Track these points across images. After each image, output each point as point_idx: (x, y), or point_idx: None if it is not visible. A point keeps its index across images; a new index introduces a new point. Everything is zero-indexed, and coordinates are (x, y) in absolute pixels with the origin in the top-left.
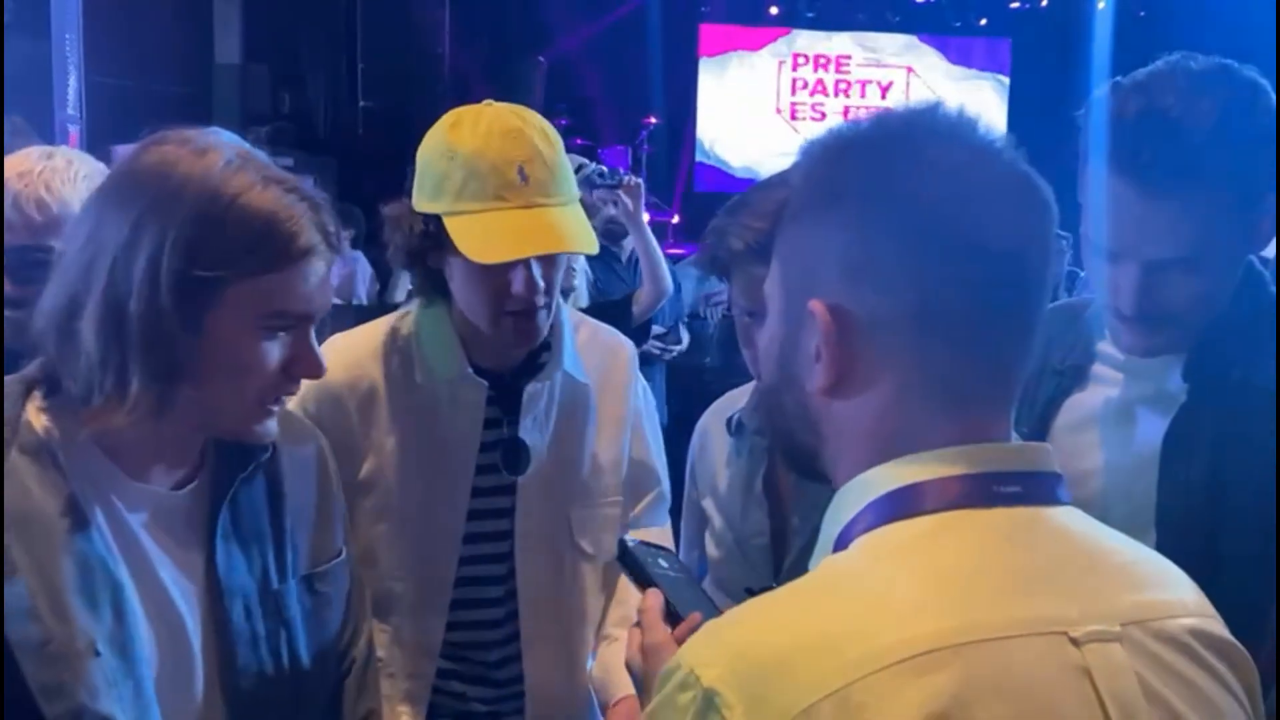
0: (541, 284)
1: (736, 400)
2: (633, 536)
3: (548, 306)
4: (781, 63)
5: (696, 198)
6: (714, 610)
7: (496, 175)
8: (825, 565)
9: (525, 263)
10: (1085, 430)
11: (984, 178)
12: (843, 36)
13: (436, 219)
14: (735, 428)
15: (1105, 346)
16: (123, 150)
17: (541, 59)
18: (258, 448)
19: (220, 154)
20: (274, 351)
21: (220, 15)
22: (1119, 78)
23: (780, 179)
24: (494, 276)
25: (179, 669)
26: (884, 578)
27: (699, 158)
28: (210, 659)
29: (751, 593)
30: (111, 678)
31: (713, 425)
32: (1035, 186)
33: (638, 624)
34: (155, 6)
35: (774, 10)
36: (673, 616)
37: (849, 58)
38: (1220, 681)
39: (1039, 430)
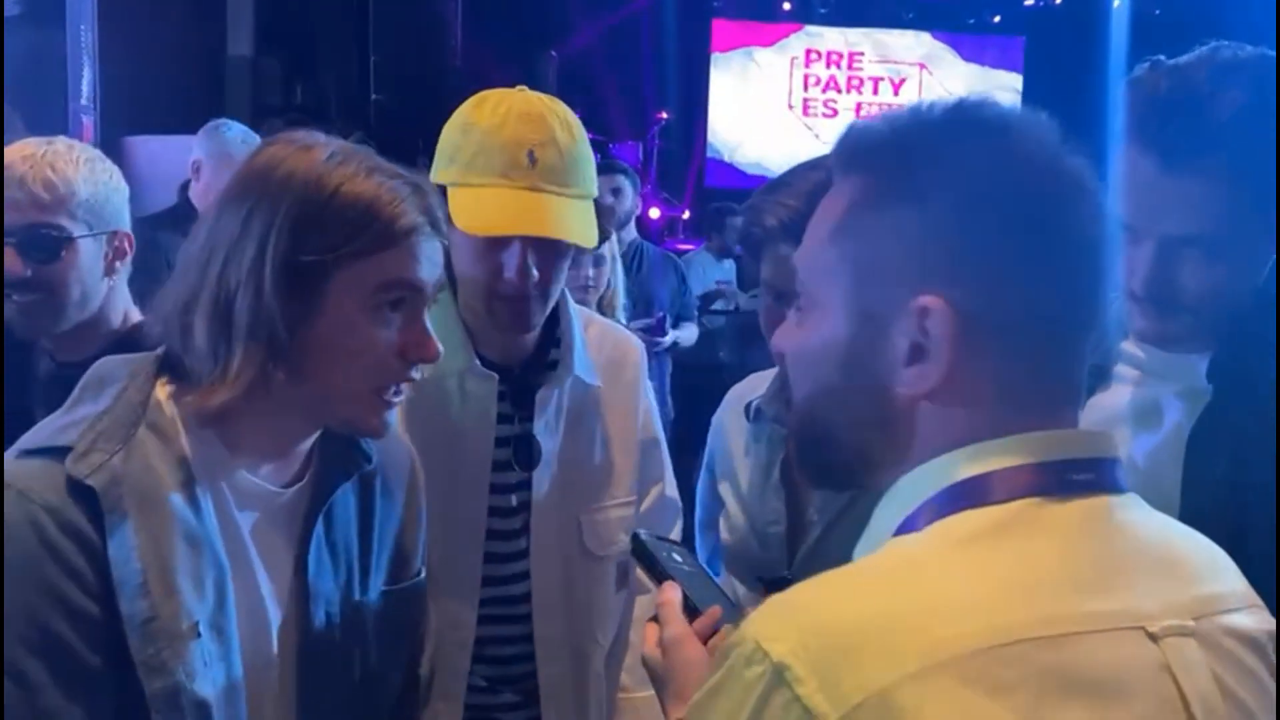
0: (535, 273)
1: (756, 386)
2: (645, 530)
3: (543, 297)
4: (794, 59)
5: (707, 193)
6: (731, 605)
7: (505, 154)
8: (894, 547)
9: (520, 248)
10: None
11: (1070, 168)
12: (855, 33)
13: (444, 192)
14: (754, 414)
15: (1128, 346)
16: (134, 141)
17: (553, 53)
18: (361, 455)
19: (325, 149)
20: (386, 334)
21: (233, 7)
22: (1159, 57)
23: (821, 162)
24: (488, 256)
25: (257, 661)
26: (962, 564)
27: (710, 153)
28: (286, 659)
29: (763, 582)
30: (208, 660)
31: (732, 410)
32: (1093, 178)
33: (653, 618)
34: None
35: (787, 6)
36: (690, 610)
37: (862, 54)
38: (1272, 674)
39: None
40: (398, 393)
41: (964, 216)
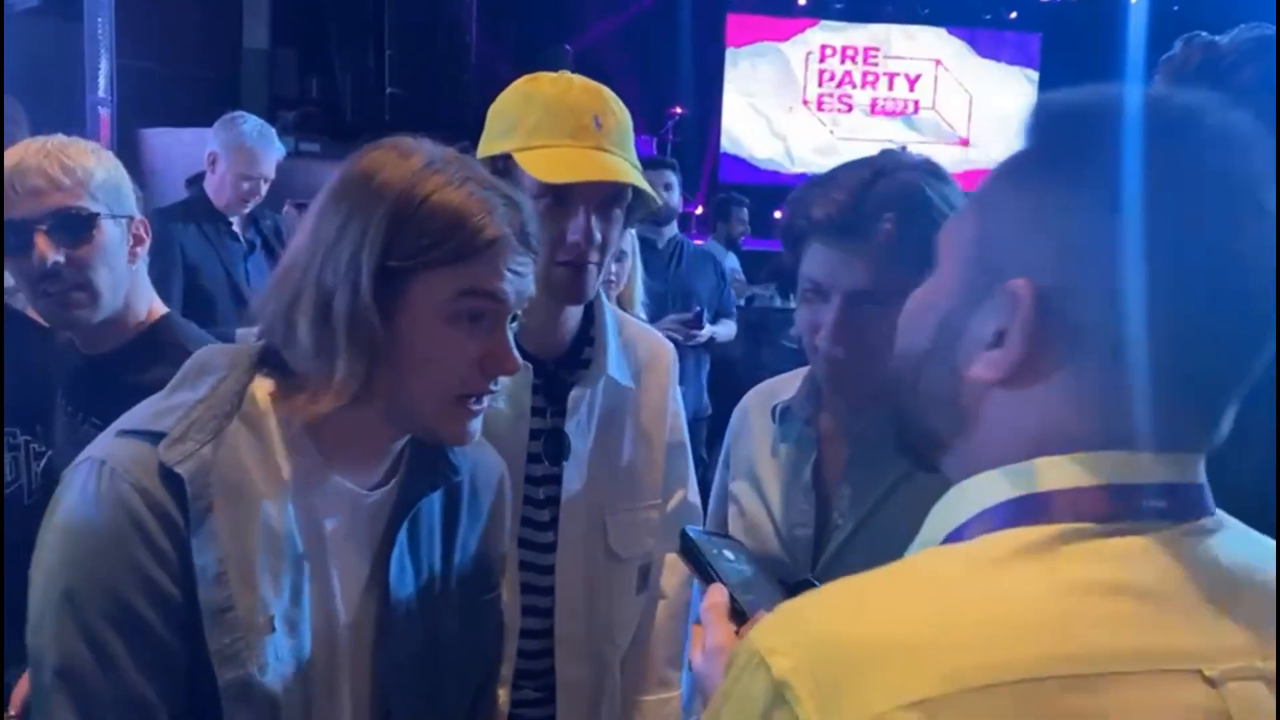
0: (598, 237)
1: (780, 388)
2: (694, 527)
3: (599, 265)
4: (809, 54)
5: (721, 189)
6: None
7: (573, 118)
8: (931, 555)
9: (584, 212)
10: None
11: (1248, 182)
12: (871, 28)
13: (503, 160)
14: (781, 416)
15: None
16: (150, 133)
17: (568, 47)
18: (449, 466)
19: (423, 157)
20: (465, 343)
21: (249, 1)
22: (1199, 33)
23: (870, 161)
24: (552, 220)
25: (328, 661)
26: (997, 585)
27: (724, 149)
28: (361, 663)
29: (786, 585)
30: (281, 655)
31: (754, 411)
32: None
33: (699, 621)
34: None
35: (802, 1)
36: (738, 614)
37: (877, 49)
38: None
39: None
40: (479, 401)
41: (1074, 203)
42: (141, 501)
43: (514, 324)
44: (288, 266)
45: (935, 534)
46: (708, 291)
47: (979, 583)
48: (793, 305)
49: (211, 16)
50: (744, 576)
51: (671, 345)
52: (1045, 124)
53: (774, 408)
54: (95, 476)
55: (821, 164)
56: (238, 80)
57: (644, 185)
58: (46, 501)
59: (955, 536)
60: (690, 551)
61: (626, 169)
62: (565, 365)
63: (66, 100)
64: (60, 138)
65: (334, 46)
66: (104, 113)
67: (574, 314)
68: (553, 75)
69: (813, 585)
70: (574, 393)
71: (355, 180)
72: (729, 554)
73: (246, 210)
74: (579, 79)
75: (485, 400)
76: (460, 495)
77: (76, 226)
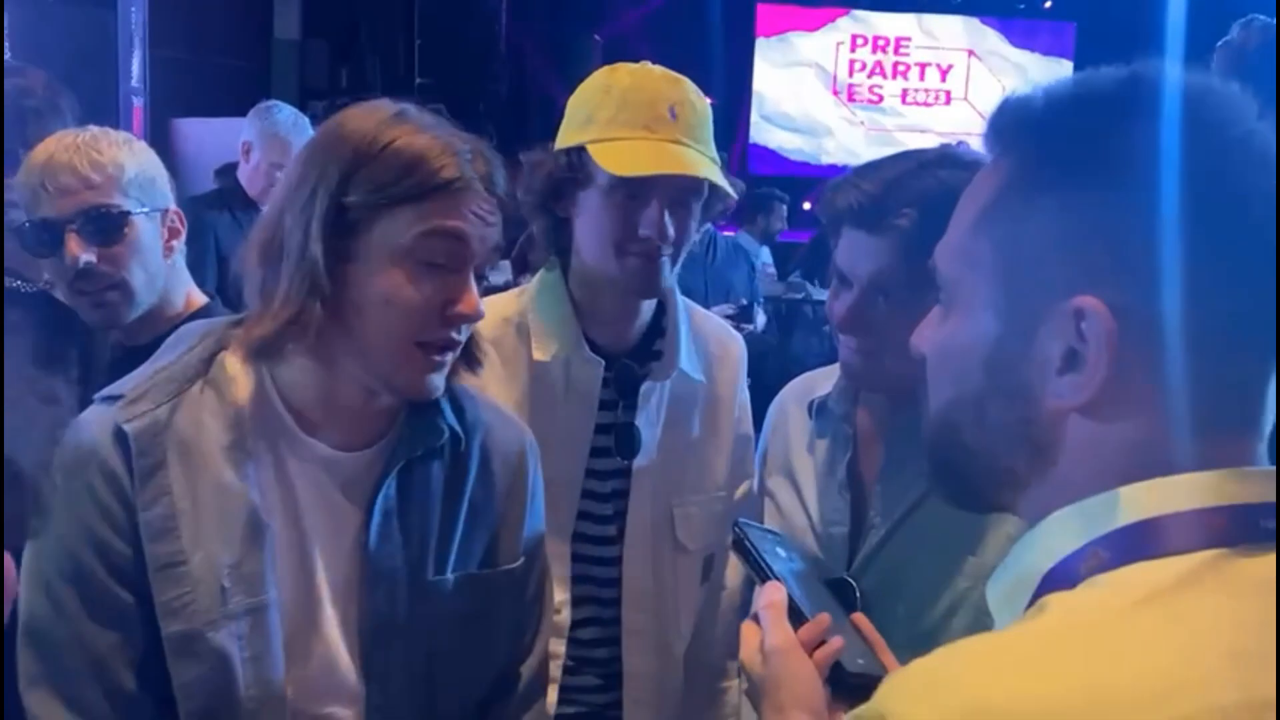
0: (671, 230)
1: (817, 382)
2: (746, 520)
3: (672, 258)
4: (839, 44)
5: (750, 180)
6: (841, 612)
7: (648, 109)
8: (1058, 609)
9: (657, 203)
10: None
11: (1268, 150)
12: (902, 18)
13: (579, 152)
14: (817, 411)
15: None
16: (182, 123)
17: (598, 37)
18: (437, 429)
19: (391, 109)
20: (426, 289)
21: None
22: (1254, 15)
23: (917, 154)
24: (625, 212)
25: (303, 624)
26: (1151, 631)
27: (753, 139)
28: (350, 629)
29: (822, 583)
30: (232, 612)
31: (791, 406)
32: None
33: (754, 618)
34: None
35: None
36: (795, 614)
37: (908, 39)
38: None
39: None
40: (440, 353)
41: (1133, 206)
42: (91, 460)
43: (482, 282)
44: (260, 218)
45: (1032, 569)
46: (742, 284)
47: (1137, 629)
48: (824, 297)
49: (242, 7)
50: (799, 575)
51: (740, 337)
52: (1039, 126)
53: (810, 403)
54: (62, 442)
55: (851, 155)
56: (268, 71)
57: (719, 180)
58: None
59: (1061, 575)
60: (743, 546)
61: (701, 162)
62: (636, 358)
63: (100, 90)
64: (92, 130)
65: (364, 37)
66: (137, 102)
67: (646, 307)
68: (633, 66)
69: (849, 584)
70: (645, 386)
71: (325, 129)
72: (781, 551)
73: None
74: (659, 69)
75: (448, 354)
76: (468, 463)
77: (107, 225)
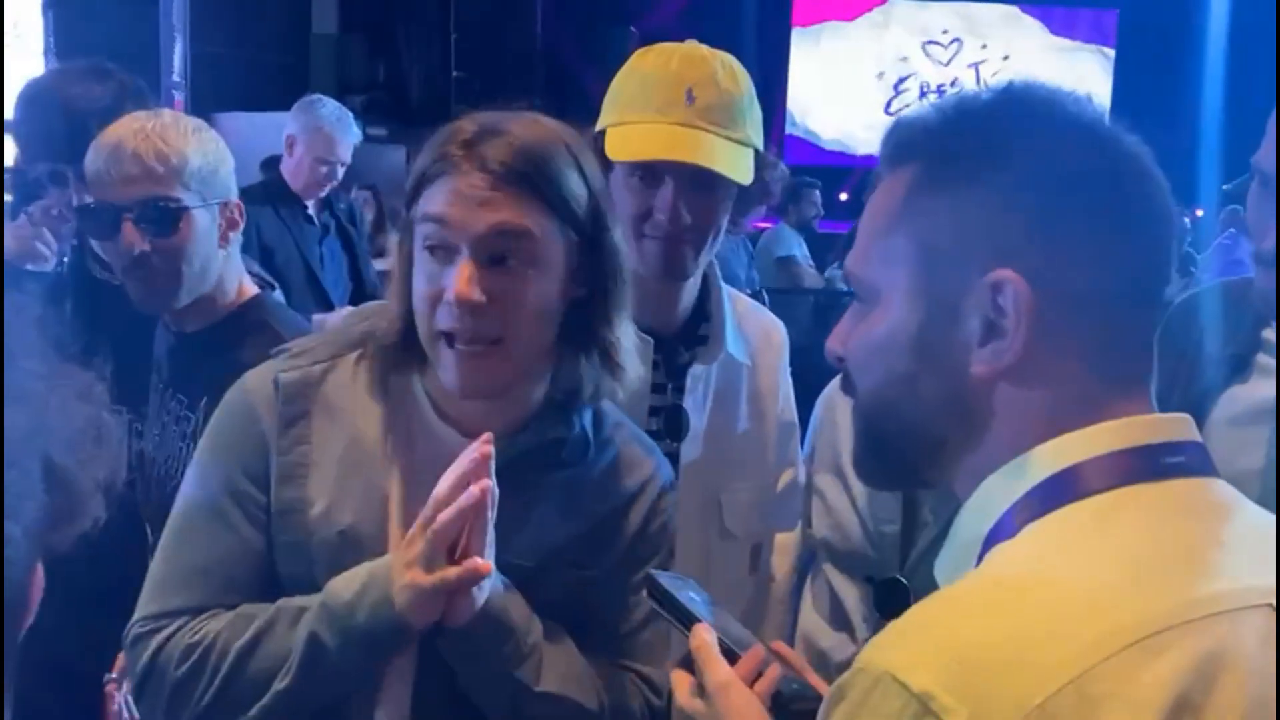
0: (687, 216)
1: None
2: (658, 570)
3: (696, 242)
4: (877, 33)
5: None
6: (764, 645)
7: (663, 92)
8: (1002, 557)
9: (672, 186)
10: (1247, 426)
11: (1126, 144)
12: (941, 6)
13: (601, 137)
14: None
15: (1270, 334)
16: (222, 118)
17: (633, 29)
18: (550, 427)
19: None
20: (424, 277)
21: None
22: None
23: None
24: (640, 195)
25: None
26: (1083, 562)
27: (789, 130)
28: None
29: (872, 582)
30: (342, 564)
31: (839, 401)
32: (1154, 164)
33: (681, 664)
34: None
35: None
36: (727, 653)
37: (947, 28)
38: None
39: None
40: (463, 343)
41: (1028, 191)
42: (245, 402)
43: (505, 264)
44: None
45: (973, 534)
46: (744, 273)
47: (1069, 563)
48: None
49: (281, 1)
50: (717, 613)
51: (782, 324)
52: (935, 135)
53: None
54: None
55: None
56: (306, 65)
57: (721, 166)
58: (141, 481)
59: (999, 533)
60: (659, 594)
61: (710, 147)
62: (682, 341)
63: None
64: (164, 116)
65: (401, 31)
66: (178, 96)
67: (688, 290)
68: (664, 45)
69: (901, 584)
70: (693, 369)
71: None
72: (693, 595)
73: (322, 194)
74: (687, 48)
75: (474, 345)
76: (584, 473)
77: (165, 218)
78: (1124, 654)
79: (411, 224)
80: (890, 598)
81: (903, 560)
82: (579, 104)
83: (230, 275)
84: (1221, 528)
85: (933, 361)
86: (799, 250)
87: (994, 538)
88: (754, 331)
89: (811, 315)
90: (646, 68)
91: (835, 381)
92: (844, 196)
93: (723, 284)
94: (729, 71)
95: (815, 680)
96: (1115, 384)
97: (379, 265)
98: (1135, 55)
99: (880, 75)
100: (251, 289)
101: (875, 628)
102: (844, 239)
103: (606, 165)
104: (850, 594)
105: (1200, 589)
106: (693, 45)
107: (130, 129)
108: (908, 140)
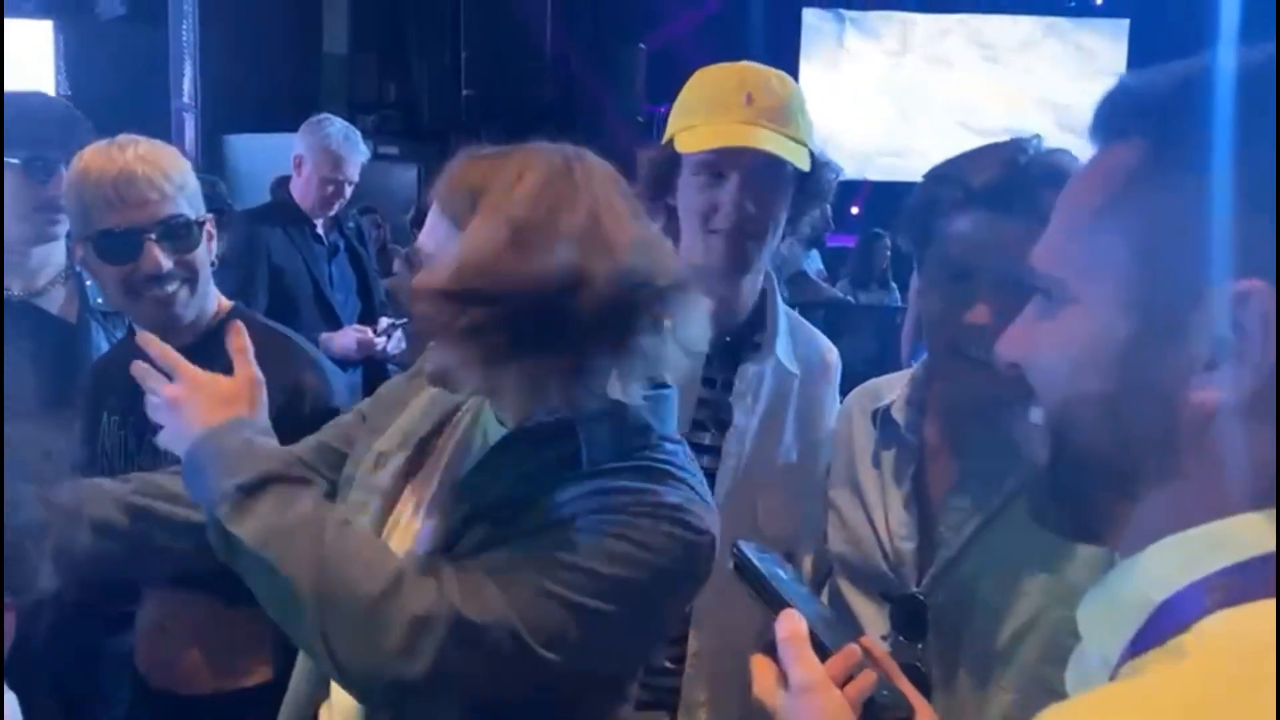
0: (749, 208)
1: (881, 391)
2: (747, 541)
3: (758, 235)
4: (887, 47)
5: None
6: (851, 637)
7: (724, 95)
8: (1202, 650)
9: (735, 183)
10: None
11: None
12: (950, 18)
13: (669, 145)
14: (882, 421)
15: None
16: (232, 138)
17: (642, 46)
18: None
19: None
20: None
21: (328, 6)
22: None
23: (1008, 143)
24: (706, 193)
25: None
26: None
27: None
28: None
29: (890, 600)
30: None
31: (856, 415)
32: None
33: (766, 652)
34: None
35: None
36: (819, 648)
37: (957, 40)
38: None
39: None
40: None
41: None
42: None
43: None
44: None
45: (1142, 595)
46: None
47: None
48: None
49: (292, 22)
50: (807, 599)
51: (836, 350)
52: (1168, 107)
53: (874, 412)
54: None
55: (897, 159)
56: (318, 84)
57: (782, 151)
58: None
59: (1179, 605)
60: (748, 569)
61: (767, 137)
62: (738, 342)
63: (151, 106)
64: (146, 142)
65: (411, 50)
66: (188, 118)
67: (747, 293)
68: (722, 64)
69: (919, 601)
70: (743, 368)
71: None
72: (783, 573)
73: (331, 213)
74: (743, 63)
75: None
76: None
77: (184, 233)
78: None
79: None
80: (909, 616)
81: (919, 576)
82: (588, 120)
83: (211, 289)
84: None
85: (1140, 382)
86: (810, 266)
87: (1172, 611)
88: (808, 347)
89: (823, 328)
90: (707, 79)
91: (853, 394)
92: (855, 210)
93: (781, 299)
94: (781, 80)
95: (907, 687)
96: None
97: (387, 284)
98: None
99: (890, 89)
100: (227, 301)
101: (892, 645)
102: (853, 253)
103: (673, 172)
104: (866, 611)
105: None
106: (748, 63)
107: (124, 154)
108: (1131, 107)
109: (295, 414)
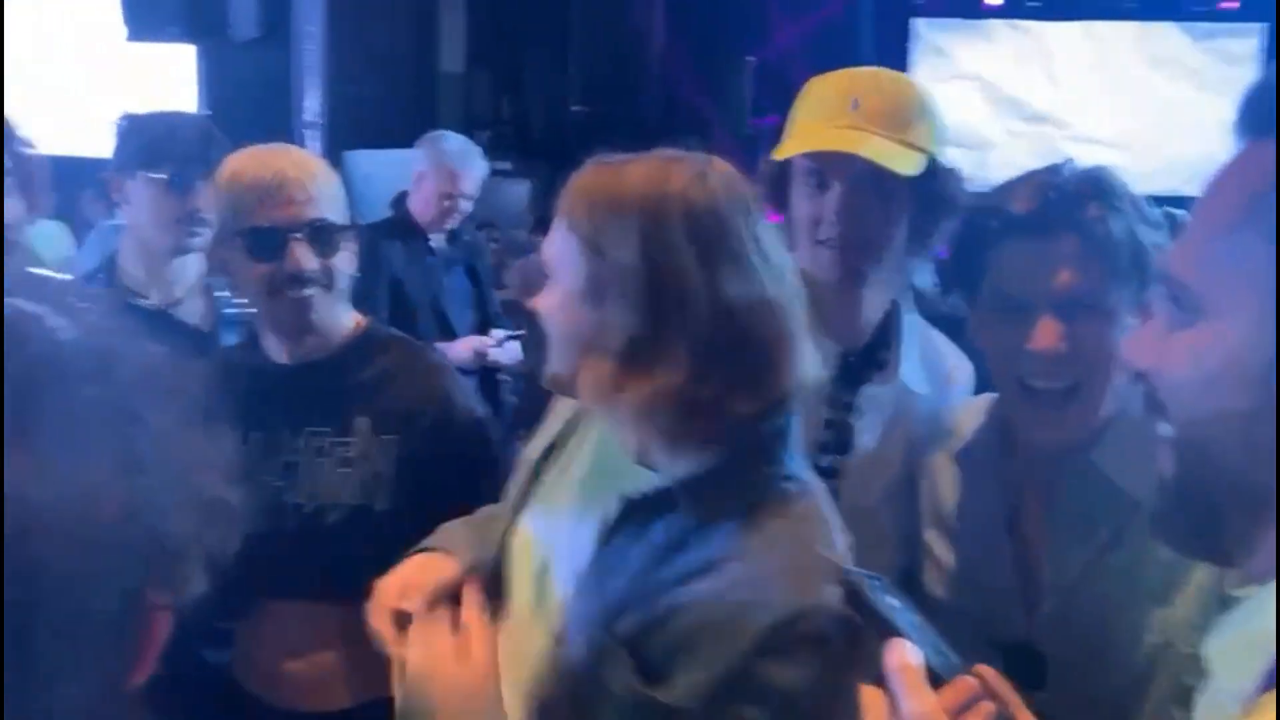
0: (857, 220)
1: (960, 423)
2: (853, 568)
3: (866, 247)
4: (1000, 56)
5: None
6: (962, 665)
7: (829, 102)
8: None
9: (839, 190)
10: None
11: None
12: (1068, 26)
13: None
14: (965, 461)
15: None
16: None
17: (751, 58)
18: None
19: None
20: None
21: (446, 27)
22: None
23: (1043, 169)
24: (810, 201)
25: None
26: None
27: None
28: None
29: (1000, 648)
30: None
31: (939, 453)
32: None
33: (877, 684)
34: (384, 18)
35: (993, 0)
36: (933, 678)
37: (1076, 48)
38: None
39: None
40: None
41: None
42: None
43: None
44: None
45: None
46: None
47: None
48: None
49: (410, 43)
50: (919, 627)
51: (969, 365)
52: None
53: (958, 453)
54: None
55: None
56: (434, 102)
57: (888, 160)
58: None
59: None
60: (857, 596)
61: (865, 143)
62: (862, 361)
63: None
64: (296, 150)
65: (524, 68)
66: (311, 135)
67: (870, 306)
68: (835, 71)
69: (1035, 650)
70: (866, 389)
71: None
72: (893, 601)
73: (448, 226)
74: (855, 69)
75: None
76: (683, 527)
77: (327, 237)
78: None
79: None
80: (1023, 664)
81: (1028, 621)
82: (696, 135)
83: (348, 305)
84: None
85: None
86: (923, 279)
87: None
88: (938, 366)
89: None
90: (815, 88)
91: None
92: None
93: (912, 312)
94: (894, 81)
95: (1024, 716)
96: None
97: (502, 296)
98: None
99: (1006, 99)
100: (363, 319)
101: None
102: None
103: (784, 183)
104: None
105: None
106: (862, 68)
107: (277, 158)
108: (1274, 103)
109: (445, 422)
